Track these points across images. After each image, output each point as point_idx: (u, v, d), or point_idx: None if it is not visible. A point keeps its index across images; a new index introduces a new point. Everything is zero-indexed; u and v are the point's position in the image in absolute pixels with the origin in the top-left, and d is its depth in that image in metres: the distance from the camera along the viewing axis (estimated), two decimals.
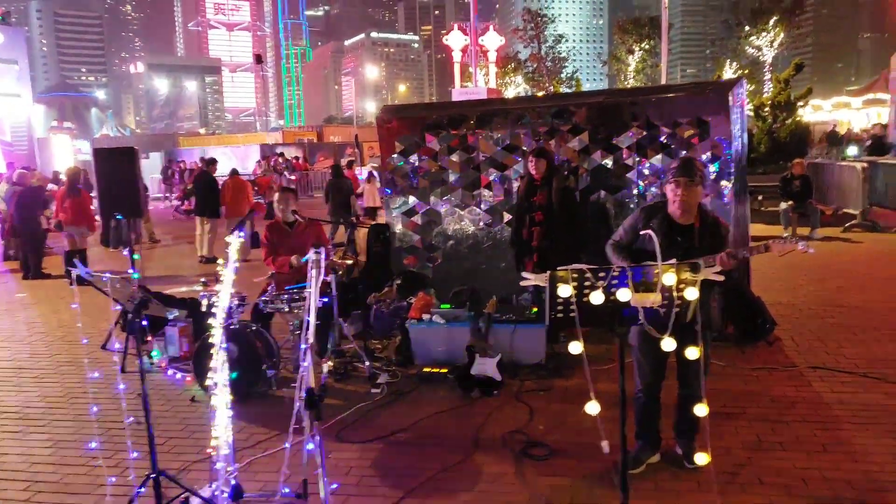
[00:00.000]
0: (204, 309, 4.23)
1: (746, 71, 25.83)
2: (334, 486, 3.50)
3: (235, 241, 3.29)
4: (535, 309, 5.55)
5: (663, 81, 25.49)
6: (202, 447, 3.83)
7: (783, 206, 11.12)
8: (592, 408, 2.80)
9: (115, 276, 3.43)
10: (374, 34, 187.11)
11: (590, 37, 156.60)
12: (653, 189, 6.24)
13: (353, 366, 5.48)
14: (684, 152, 5.99)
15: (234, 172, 12.17)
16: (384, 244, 7.40)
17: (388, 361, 5.61)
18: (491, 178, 6.85)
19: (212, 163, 12.49)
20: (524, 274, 3.22)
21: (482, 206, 6.92)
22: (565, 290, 2.65)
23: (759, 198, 13.23)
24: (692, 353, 3.08)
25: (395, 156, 7.14)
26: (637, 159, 6.30)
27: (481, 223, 6.94)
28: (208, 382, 3.26)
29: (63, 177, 14.27)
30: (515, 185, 6.62)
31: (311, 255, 3.39)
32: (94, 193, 11.36)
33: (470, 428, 4.33)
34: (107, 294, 3.46)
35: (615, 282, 2.64)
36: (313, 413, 3.04)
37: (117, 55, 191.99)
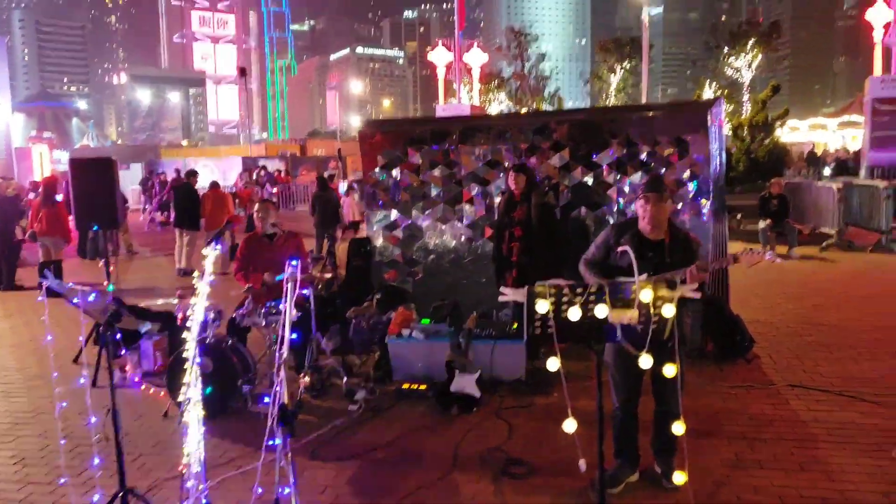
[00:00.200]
0: (179, 322, 4.15)
1: (726, 91, 26.30)
2: None
3: (212, 253, 3.23)
4: (516, 325, 5.53)
5: (644, 100, 25.84)
6: (174, 464, 3.74)
7: (762, 224, 11.27)
8: (569, 425, 2.78)
9: (85, 289, 3.35)
10: (359, 49, 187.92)
11: (573, 56, 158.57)
12: (632, 206, 6.26)
13: (331, 381, 5.41)
14: (664, 170, 6.05)
15: (215, 184, 12.07)
16: (364, 258, 7.36)
17: (366, 377, 5.55)
18: (473, 193, 6.86)
19: (192, 174, 12.37)
20: (502, 289, 3.21)
21: (464, 220, 6.92)
22: (543, 306, 2.64)
23: (738, 216, 13.41)
24: (669, 370, 3.07)
25: (377, 170, 7.12)
26: (617, 177, 6.35)
27: (463, 238, 6.93)
28: (181, 398, 3.19)
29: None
30: (497, 200, 6.63)
31: (286, 274, 3.32)
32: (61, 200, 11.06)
33: (449, 445, 4.29)
34: (77, 306, 3.38)
35: (592, 298, 2.63)
36: (287, 429, 2.98)
37: (100, 66, 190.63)
